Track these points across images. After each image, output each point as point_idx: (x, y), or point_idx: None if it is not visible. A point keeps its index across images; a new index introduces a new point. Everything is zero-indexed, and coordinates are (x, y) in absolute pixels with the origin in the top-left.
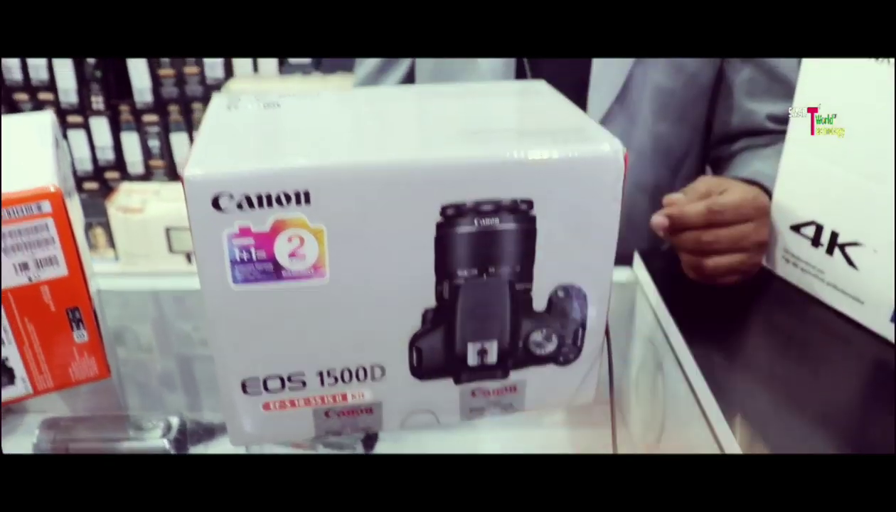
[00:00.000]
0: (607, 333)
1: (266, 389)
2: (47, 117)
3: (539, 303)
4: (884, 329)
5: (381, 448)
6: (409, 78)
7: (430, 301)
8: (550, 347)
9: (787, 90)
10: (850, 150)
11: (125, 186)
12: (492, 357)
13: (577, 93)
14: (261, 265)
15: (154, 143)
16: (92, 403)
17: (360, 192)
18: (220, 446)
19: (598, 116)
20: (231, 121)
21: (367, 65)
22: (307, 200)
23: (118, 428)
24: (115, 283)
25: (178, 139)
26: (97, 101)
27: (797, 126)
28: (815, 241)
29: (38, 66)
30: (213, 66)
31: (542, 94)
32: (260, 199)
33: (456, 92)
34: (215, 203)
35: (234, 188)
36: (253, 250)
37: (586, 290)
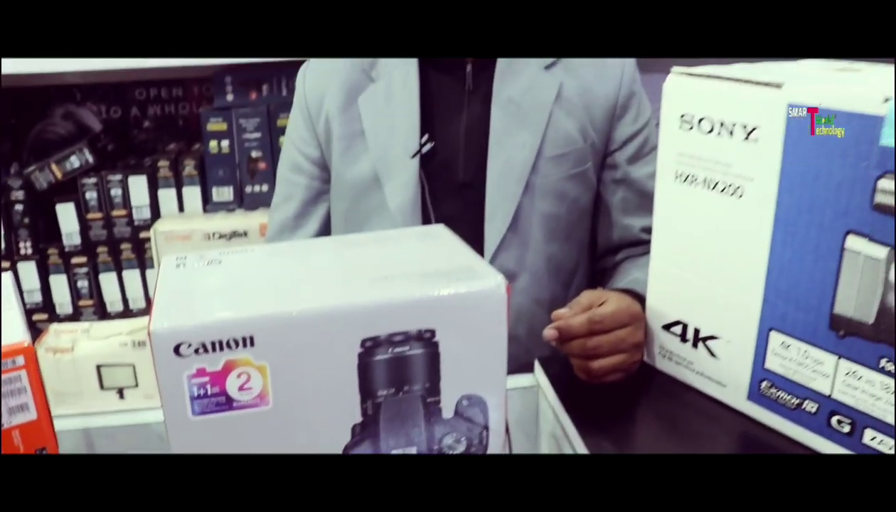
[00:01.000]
0: (507, 431)
1: None
2: (8, 277)
3: (448, 411)
4: (744, 407)
5: None
6: (326, 221)
7: (358, 417)
8: (461, 448)
9: None
10: (702, 260)
11: (54, 327)
12: None
13: (476, 226)
14: (215, 398)
15: (83, 284)
16: None
17: (294, 334)
18: None
19: (494, 244)
20: (182, 278)
21: (283, 210)
22: (252, 343)
23: None
24: None
25: (106, 279)
26: (25, 247)
27: (658, 243)
28: (683, 337)
29: None
30: (141, 209)
31: (440, 237)
32: (213, 344)
33: (368, 240)
34: (176, 351)
35: (192, 338)
36: (208, 387)
37: (486, 397)
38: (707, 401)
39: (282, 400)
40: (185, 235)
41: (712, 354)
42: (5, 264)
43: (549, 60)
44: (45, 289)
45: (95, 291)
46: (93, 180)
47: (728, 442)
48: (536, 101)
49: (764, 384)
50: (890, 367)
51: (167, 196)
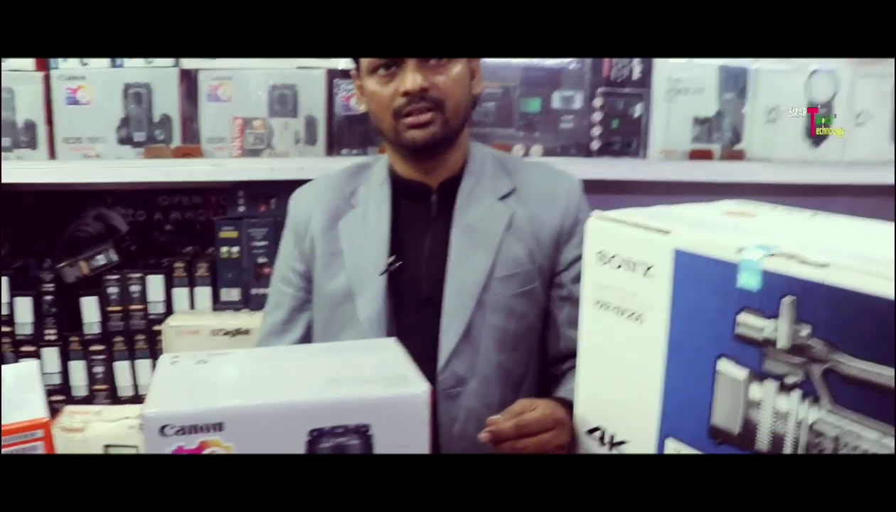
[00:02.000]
0: None
1: None
2: (35, 365)
3: None
4: None
5: None
6: (311, 327)
7: None
8: None
9: None
10: (615, 375)
11: (69, 408)
12: None
13: (434, 335)
14: None
15: (98, 370)
16: None
17: (256, 422)
18: None
19: (448, 352)
20: (173, 374)
21: (273, 316)
22: (221, 428)
23: None
24: None
25: (120, 366)
26: (49, 334)
27: (582, 359)
28: (602, 441)
29: None
30: (156, 305)
31: (388, 349)
32: (191, 427)
33: (329, 349)
34: (161, 431)
35: (174, 421)
36: None
37: None
38: None
39: None
40: (194, 330)
41: None
42: (31, 348)
43: (504, 191)
44: (65, 372)
45: (109, 377)
46: (115, 277)
47: None
48: (491, 228)
49: None
50: None
51: (180, 294)
